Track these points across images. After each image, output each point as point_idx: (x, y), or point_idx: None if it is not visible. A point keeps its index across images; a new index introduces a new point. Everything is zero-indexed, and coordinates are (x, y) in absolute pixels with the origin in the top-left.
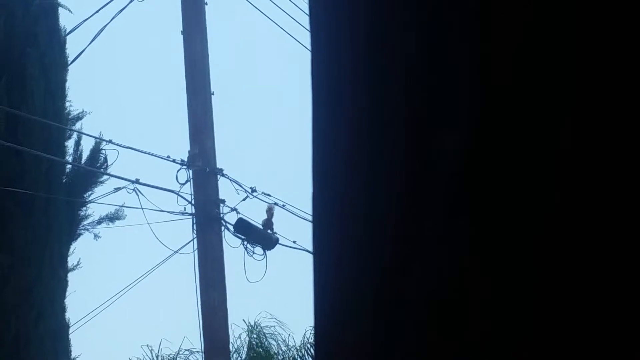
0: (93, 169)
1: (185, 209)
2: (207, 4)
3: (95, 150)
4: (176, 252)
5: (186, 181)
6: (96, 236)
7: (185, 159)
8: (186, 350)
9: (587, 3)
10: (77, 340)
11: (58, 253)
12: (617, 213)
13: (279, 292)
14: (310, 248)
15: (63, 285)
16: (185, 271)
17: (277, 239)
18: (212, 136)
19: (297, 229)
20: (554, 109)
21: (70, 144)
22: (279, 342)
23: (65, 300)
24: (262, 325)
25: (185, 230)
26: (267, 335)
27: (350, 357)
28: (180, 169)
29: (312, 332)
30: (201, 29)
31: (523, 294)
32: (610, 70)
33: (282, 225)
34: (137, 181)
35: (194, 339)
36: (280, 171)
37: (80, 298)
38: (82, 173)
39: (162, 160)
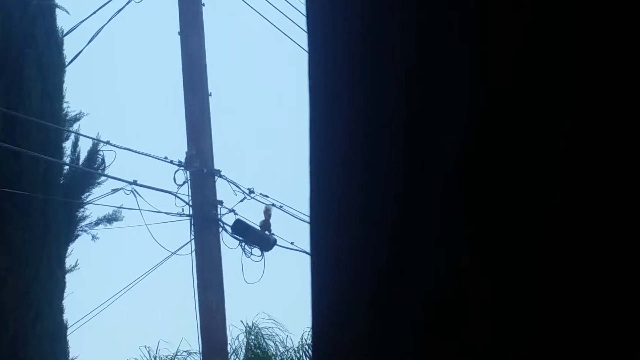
0: (91, 170)
1: (182, 210)
2: (204, 5)
3: (93, 152)
4: (174, 253)
5: (184, 182)
6: (94, 237)
7: (183, 160)
8: (184, 351)
9: (587, 3)
10: (75, 341)
11: (56, 254)
12: (617, 213)
13: (276, 293)
14: (308, 249)
15: (61, 286)
16: (183, 272)
17: (275, 240)
18: (210, 137)
19: (294, 230)
20: (554, 109)
21: (67, 145)
22: (277, 343)
23: (63, 302)
24: (260, 326)
25: (182, 231)
26: (265, 337)
27: (348, 358)
28: (177, 170)
29: (310, 333)
30: (198, 29)
31: (520, 295)
32: (610, 70)
33: (280, 227)
34: (134, 182)
35: (192, 340)
36: (278, 172)
37: (78, 299)
38: (80, 174)
39: (159, 162)
